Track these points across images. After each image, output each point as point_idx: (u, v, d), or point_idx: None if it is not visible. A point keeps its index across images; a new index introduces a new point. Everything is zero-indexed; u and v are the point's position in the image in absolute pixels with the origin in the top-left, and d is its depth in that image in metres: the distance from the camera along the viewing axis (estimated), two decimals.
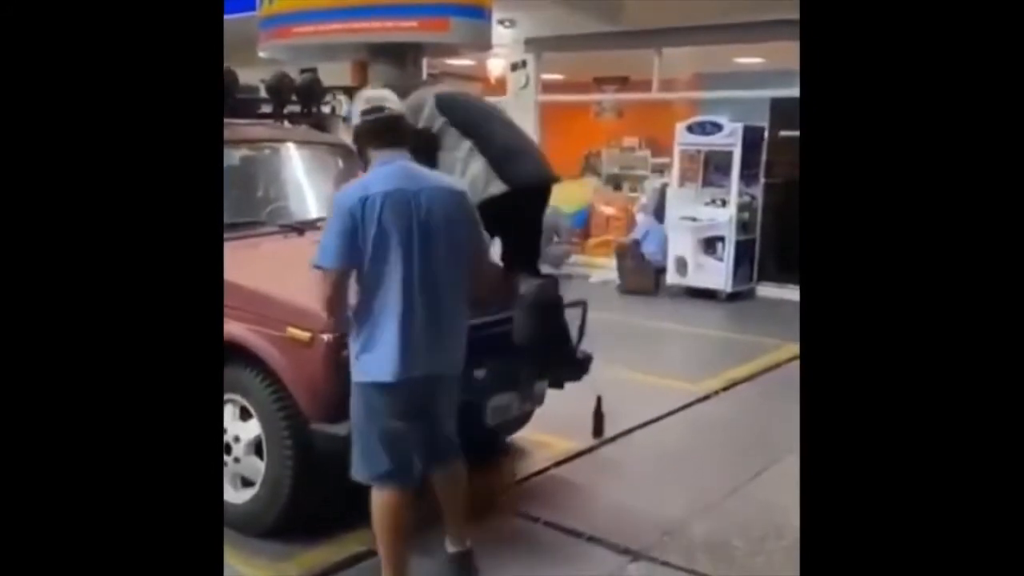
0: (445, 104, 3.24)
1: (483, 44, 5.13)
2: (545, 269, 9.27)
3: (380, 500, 2.55)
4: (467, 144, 3.14)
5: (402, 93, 3.53)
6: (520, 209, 3.20)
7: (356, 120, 2.55)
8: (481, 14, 4.81)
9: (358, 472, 2.58)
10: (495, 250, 3.37)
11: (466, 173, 3.11)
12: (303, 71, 12.32)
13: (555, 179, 3.34)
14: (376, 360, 2.45)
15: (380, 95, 2.59)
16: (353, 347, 2.52)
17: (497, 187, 3.04)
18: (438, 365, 2.54)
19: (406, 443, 2.53)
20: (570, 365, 3.49)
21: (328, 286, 2.45)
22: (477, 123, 3.23)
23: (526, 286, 3.11)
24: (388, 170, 2.48)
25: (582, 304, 3.74)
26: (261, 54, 5.48)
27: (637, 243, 8.60)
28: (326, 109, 8.92)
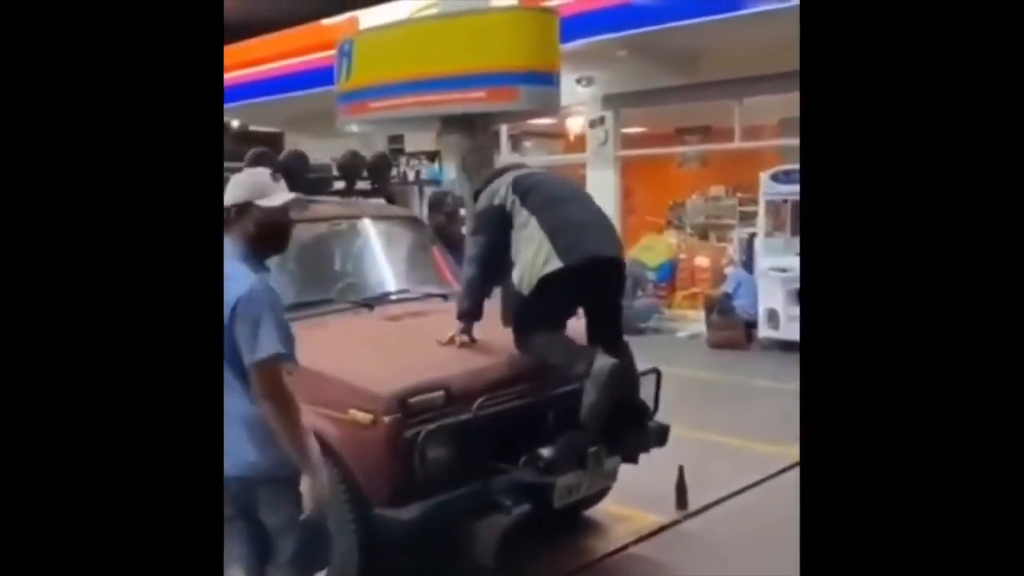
0: (519, 183, 3.36)
1: (552, 110, 5.12)
2: (631, 325, 9.08)
3: None
4: (533, 221, 3.23)
5: (486, 174, 3.58)
6: (588, 285, 3.19)
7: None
8: (550, 80, 4.80)
9: None
10: (578, 325, 3.33)
11: (528, 250, 3.18)
12: (391, 138, 12.71)
13: (619, 255, 3.36)
14: None
15: None
16: None
17: (553, 264, 3.09)
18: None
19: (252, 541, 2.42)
20: (644, 439, 3.37)
21: None
22: (544, 201, 3.30)
23: (600, 363, 3.02)
24: None
25: (655, 372, 3.62)
26: (340, 127, 5.66)
27: (728, 296, 8.37)
28: (410, 174, 9.13)
